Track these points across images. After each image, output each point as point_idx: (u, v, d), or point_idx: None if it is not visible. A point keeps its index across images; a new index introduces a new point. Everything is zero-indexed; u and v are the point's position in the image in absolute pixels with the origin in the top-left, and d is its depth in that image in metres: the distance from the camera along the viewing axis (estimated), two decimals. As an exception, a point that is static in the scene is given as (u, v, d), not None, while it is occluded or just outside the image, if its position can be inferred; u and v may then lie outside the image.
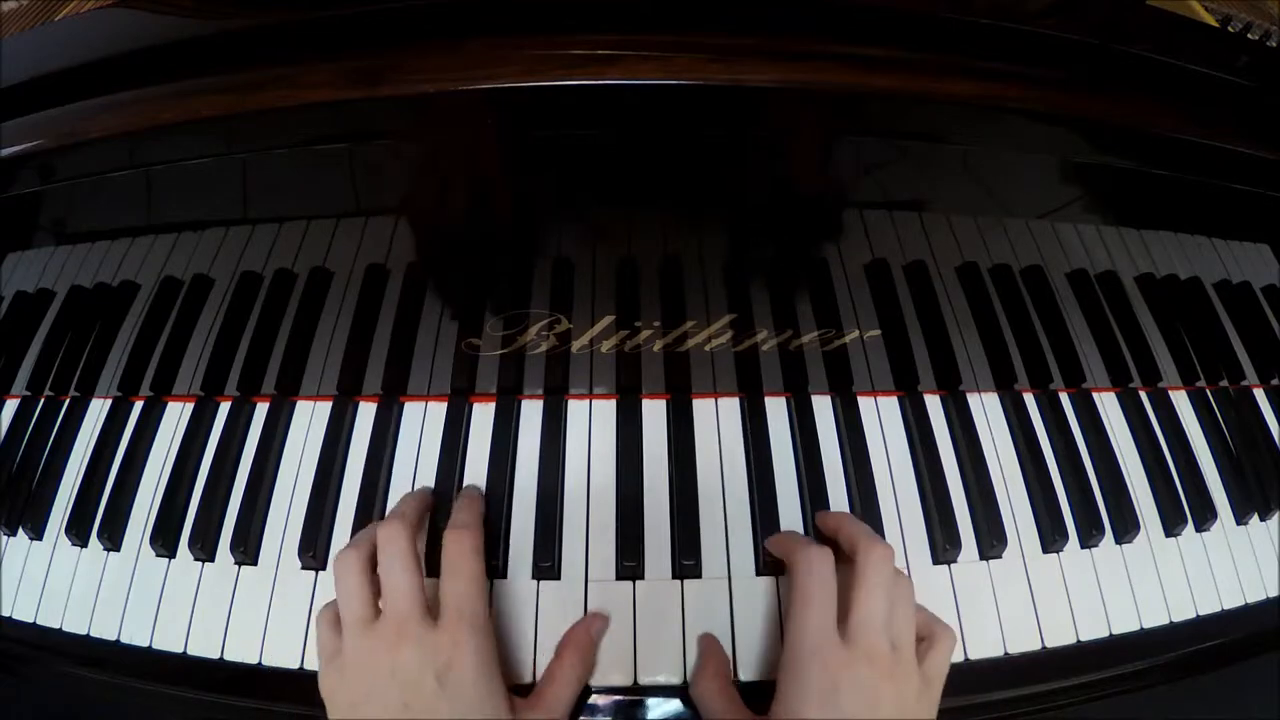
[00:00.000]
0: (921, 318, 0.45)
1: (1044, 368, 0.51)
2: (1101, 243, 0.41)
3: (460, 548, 0.40)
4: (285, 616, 0.45)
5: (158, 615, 0.46)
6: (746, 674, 0.42)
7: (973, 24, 0.34)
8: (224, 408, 0.53)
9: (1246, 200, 0.38)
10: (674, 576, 0.45)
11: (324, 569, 0.46)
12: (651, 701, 0.42)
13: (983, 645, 0.44)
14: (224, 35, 0.35)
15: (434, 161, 0.36)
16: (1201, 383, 0.55)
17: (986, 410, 0.52)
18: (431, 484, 0.48)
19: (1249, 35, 0.40)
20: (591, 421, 0.50)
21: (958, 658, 0.43)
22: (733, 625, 0.43)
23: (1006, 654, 0.44)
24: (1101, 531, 0.48)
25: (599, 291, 0.42)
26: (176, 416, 0.53)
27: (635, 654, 0.42)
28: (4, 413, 0.55)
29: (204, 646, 0.44)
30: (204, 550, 0.47)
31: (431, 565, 0.43)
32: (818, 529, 0.45)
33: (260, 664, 0.44)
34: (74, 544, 0.49)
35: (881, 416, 0.51)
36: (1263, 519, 0.51)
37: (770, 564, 0.45)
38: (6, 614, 0.48)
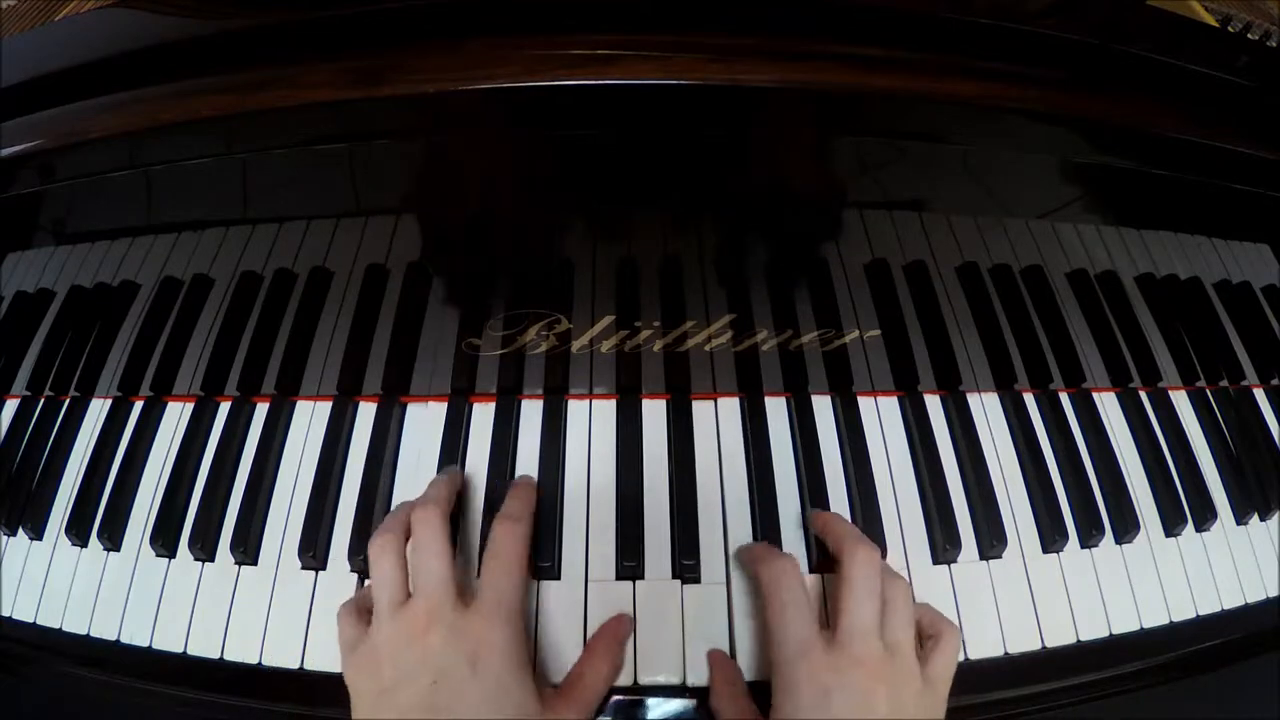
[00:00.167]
0: (921, 318, 0.45)
1: (1044, 368, 0.51)
2: (1101, 243, 0.41)
3: (510, 538, 0.40)
4: (285, 616, 0.45)
5: (158, 615, 0.46)
6: (747, 674, 0.42)
7: (973, 24, 0.34)
8: (224, 408, 0.53)
9: (1246, 200, 0.38)
10: (674, 576, 0.45)
11: (324, 569, 0.46)
12: (651, 701, 0.42)
13: (983, 645, 0.44)
14: (224, 35, 0.35)
15: (434, 162, 0.36)
16: (1201, 383, 0.55)
17: (986, 410, 0.52)
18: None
19: (1249, 35, 0.40)
20: (591, 421, 0.50)
21: (958, 658, 0.43)
22: (731, 625, 0.43)
23: (1006, 654, 0.44)
24: (1101, 531, 0.48)
25: (599, 291, 0.42)
26: (176, 416, 0.53)
27: (635, 654, 0.42)
28: (4, 413, 0.55)
29: (204, 646, 0.44)
30: (204, 550, 0.47)
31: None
32: (810, 529, 0.45)
33: (260, 664, 0.44)
34: (74, 544, 0.49)
35: (881, 416, 0.51)
36: (1263, 519, 0.51)
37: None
38: (6, 614, 0.48)
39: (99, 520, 0.49)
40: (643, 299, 0.43)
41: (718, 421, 0.50)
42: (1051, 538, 0.47)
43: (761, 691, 0.40)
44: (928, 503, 0.48)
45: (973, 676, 0.43)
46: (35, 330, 0.48)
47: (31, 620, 0.47)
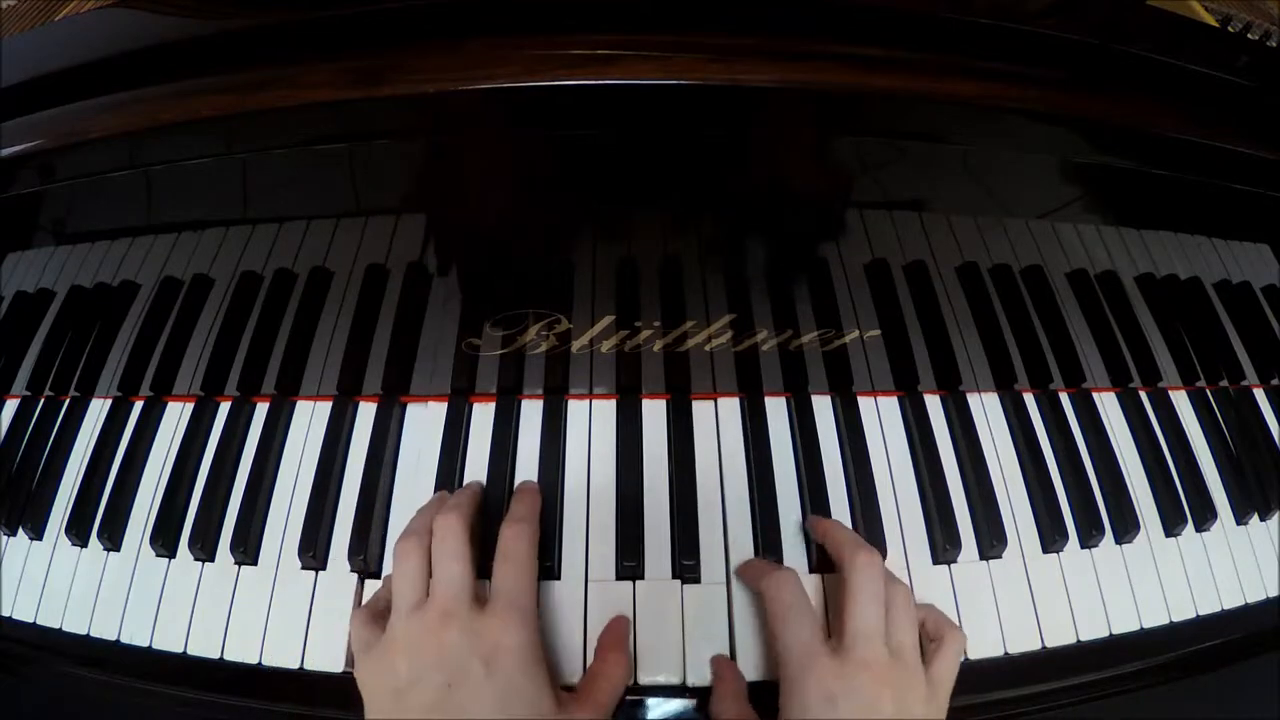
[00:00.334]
0: (921, 318, 0.45)
1: (1044, 368, 0.51)
2: (1101, 243, 0.41)
3: (517, 541, 0.40)
4: (285, 616, 0.45)
5: (158, 615, 0.46)
6: (747, 674, 0.42)
7: (973, 24, 0.34)
8: (224, 408, 0.53)
9: (1246, 200, 0.38)
10: (674, 576, 0.45)
11: (324, 569, 0.46)
12: (651, 701, 0.42)
13: (983, 645, 0.44)
14: (224, 35, 0.35)
15: (434, 162, 0.36)
16: (1201, 383, 0.55)
17: (986, 410, 0.52)
18: (432, 483, 0.48)
19: (1249, 35, 0.40)
20: (591, 421, 0.50)
21: (958, 658, 0.43)
22: (732, 626, 0.43)
23: (1006, 654, 0.44)
24: (1101, 531, 0.48)
25: (599, 291, 0.42)
26: (176, 416, 0.53)
27: (635, 654, 0.42)
28: (4, 413, 0.55)
29: (204, 646, 0.44)
30: (204, 550, 0.47)
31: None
32: (811, 535, 0.45)
33: (260, 664, 0.44)
34: (74, 544, 0.49)
35: (881, 416, 0.51)
36: (1263, 519, 0.51)
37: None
38: (6, 614, 0.48)
39: (99, 520, 0.49)
40: (643, 299, 0.43)
41: (718, 421, 0.50)
42: (1051, 538, 0.47)
43: (759, 693, 0.40)
44: (928, 503, 0.48)
45: (973, 676, 0.43)
46: (35, 330, 0.48)
47: (31, 620, 0.47)
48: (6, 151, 0.35)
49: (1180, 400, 0.55)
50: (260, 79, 0.33)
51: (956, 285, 0.43)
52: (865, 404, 0.52)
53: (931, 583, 0.46)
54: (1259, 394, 0.56)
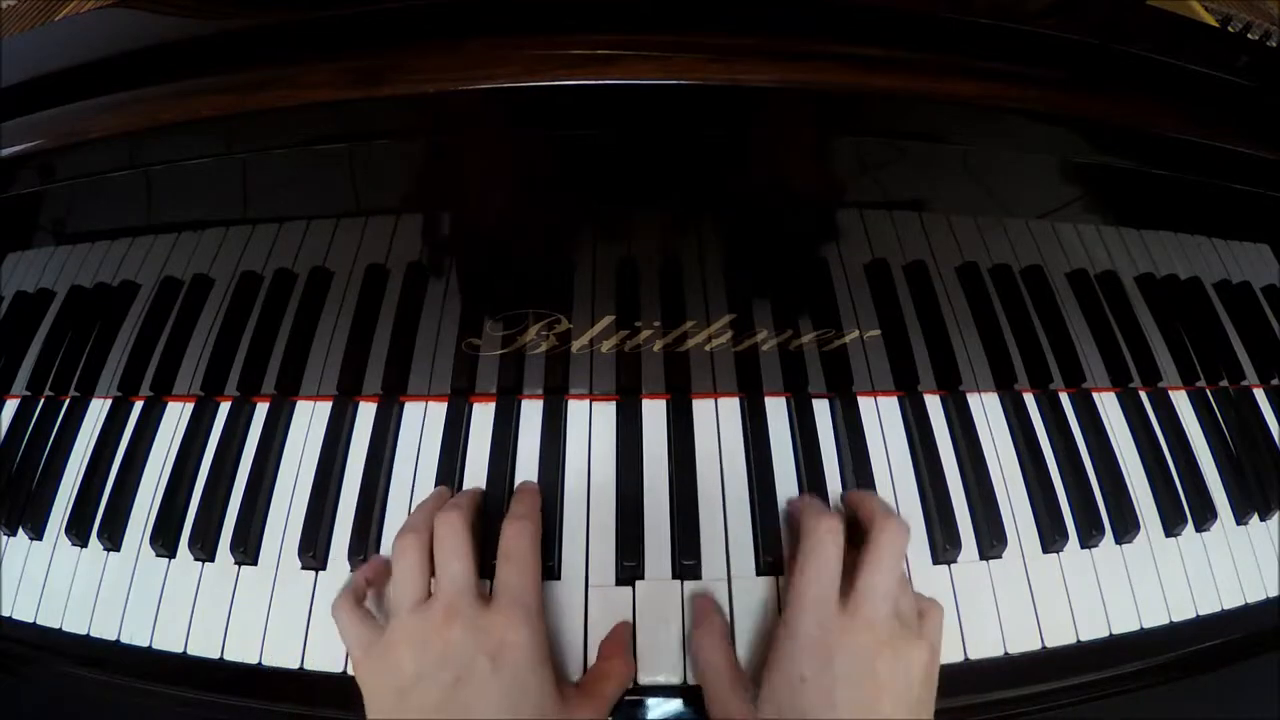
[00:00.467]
0: (921, 318, 0.45)
1: (1044, 368, 0.51)
2: (1101, 243, 0.41)
3: (519, 538, 0.40)
4: (285, 616, 0.45)
5: (158, 615, 0.46)
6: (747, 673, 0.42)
7: (973, 24, 0.34)
8: (224, 408, 0.53)
9: (1246, 200, 0.38)
10: (674, 577, 0.45)
11: (324, 569, 0.46)
12: (651, 701, 0.42)
13: (983, 645, 0.44)
14: (224, 35, 0.35)
15: (434, 162, 0.36)
16: (1201, 383, 0.55)
17: (986, 410, 0.52)
18: (432, 484, 0.48)
19: (1249, 35, 0.40)
20: (591, 421, 0.50)
21: (958, 658, 0.43)
22: (732, 626, 0.43)
23: (1006, 654, 0.44)
24: (1101, 531, 0.48)
25: (599, 291, 0.42)
26: (176, 416, 0.53)
27: (635, 654, 0.42)
28: (4, 413, 0.55)
29: (204, 646, 0.44)
30: (204, 550, 0.47)
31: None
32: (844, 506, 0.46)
33: (260, 664, 0.44)
34: (74, 544, 0.49)
35: (881, 416, 0.51)
36: (1263, 519, 0.51)
37: (770, 564, 0.45)
38: (6, 614, 0.48)
39: (99, 520, 0.49)
40: (643, 299, 0.43)
41: (718, 421, 0.50)
42: (1051, 538, 0.47)
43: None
44: (928, 503, 0.48)
45: (973, 676, 0.43)
46: (35, 330, 0.48)
47: (31, 620, 0.47)
48: (6, 151, 0.35)
49: (1180, 400, 0.55)
50: (260, 79, 0.33)
51: (956, 285, 0.43)
52: (865, 404, 0.52)
53: (931, 583, 0.45)
54: (1259, 394, 0.56)
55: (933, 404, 0.52)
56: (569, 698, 0.38)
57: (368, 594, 0.42)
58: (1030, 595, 0.46)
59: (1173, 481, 0.51)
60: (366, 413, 0.51)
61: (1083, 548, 0.48)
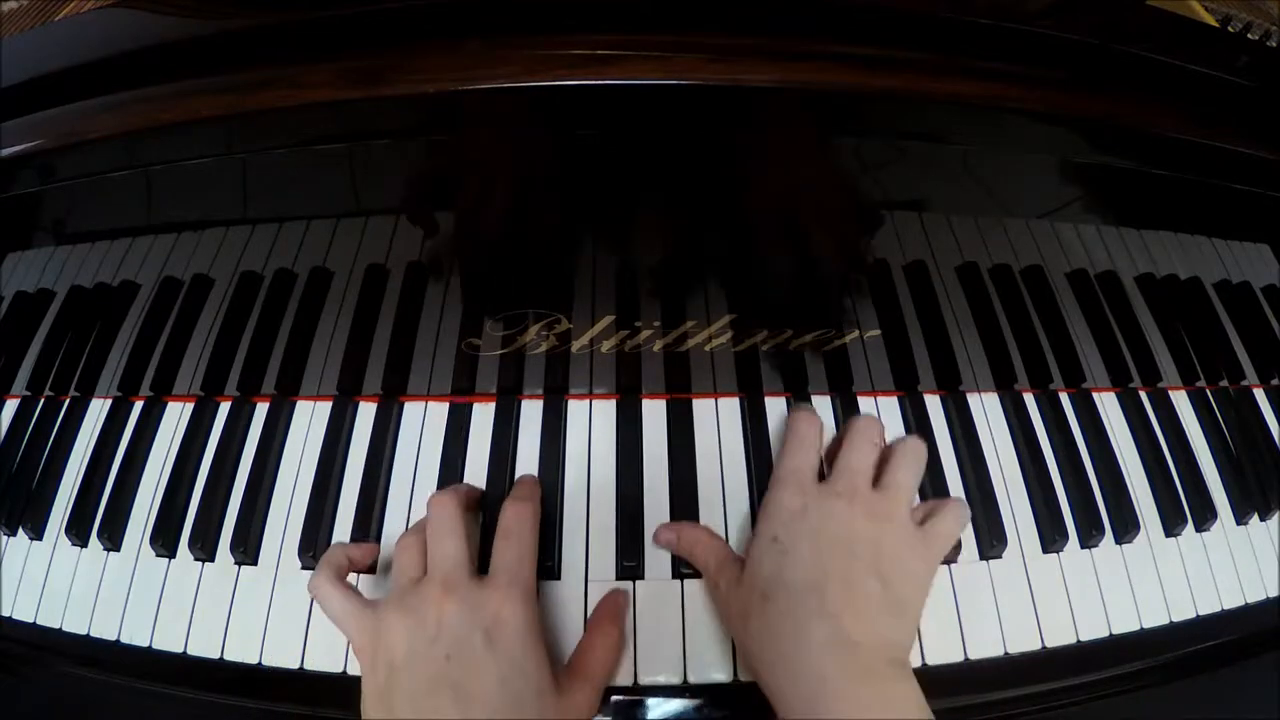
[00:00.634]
0: (921, 318, 0.45)
1: (1044, 368, 0.51)
2: (1101, 243, 0.41)
3: (519, 519, 0.40)
4: (285, 616, 0.45)
5: (158, 615, 0.46)
6: (747, 675, 0.42)
7: (973, 24, 0.34)
8: (224, 408, 0.53)
9: (1246, 200, 0.38)
10: (674, 577, 0.45)
11: (324, 569, 0.46)
12: (651, 701, 0.42)
13: (983, 645, 0.44)
14: (224, 35, 0.35)
15: (434, 162, 0.36)
16: (1201, 383, 0.55)
17: (986, 410, 0.52)
18: (432, 484, 0.48)
19: (1249, 35, 0.40)
20: (591, 421, 0.50)
21: (958, 658, 0.43)
22: (733, 625, 0.43)
23: (1006, 654, 0.44)
24: (1101, 531, 0.48)
25: (599, 291, 0.42)
26: (176, 416, 0.53)
27: (635, 654, 0.42)
28: (4, 413, 0.55)
29: (204, 646, 0.44)
30: (204, 550, 0.47)
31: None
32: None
33: (260, 664, 0.44)
34: (74, 544, 0.49)
35: (881, 416, 0.51)
36: (1263, 519, 0.51)
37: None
38: (6, 614, 0.48)
39: (99, 520, 0.49)
40: (643, 299, 0.43)
41: (718, 421, 0.50)
42: (1051, 538, 0.47)
43: (759, 694, 0.40)
44: (925, 496, 0.48)
45: (973, 676, 0.43)
46: (35, 330, 0.48)
47: (31, 620, 0.47)
48: (6, 151, 0.35)
49: (1180, 400, 0.55)
50: (260, 79, 0.33)
51: (956, 285, 0.43)
52: (865, 404, 0.51)
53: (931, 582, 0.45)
54: (1259, 394, 0.56)
55: (933, 404, 0.52)
56: (561, 679, 0.38)
57: (349, 572, 0.42)
58: (1030, 595, 0.46)
59: (1173, 481, 0.51)
60: (366, 413, 0.51)
61: (1083, 548, 0.48)
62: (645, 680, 0.42)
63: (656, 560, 0.45)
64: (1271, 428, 0.55)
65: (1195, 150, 0.36)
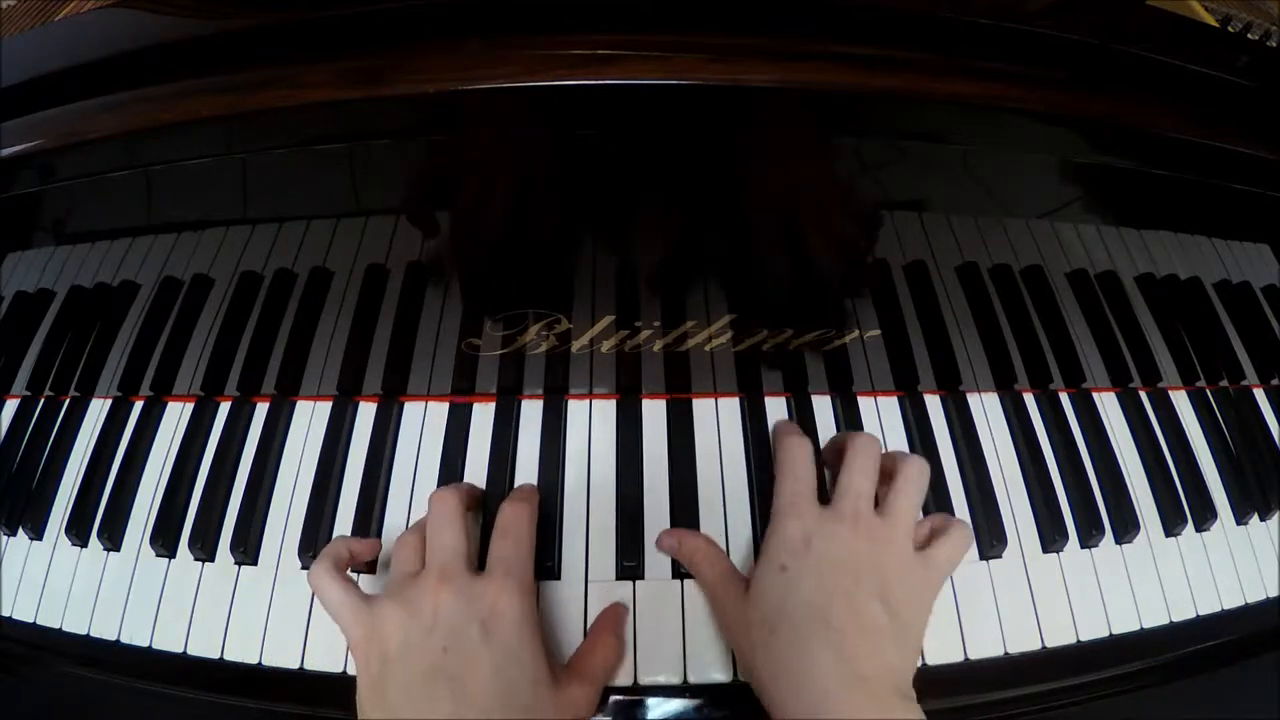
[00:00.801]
0: (921, 318, 0.45)
1: (1044, 368, 0.51)
2: (1101, 243, 0.41)
3: (517, 517, 0.40)
4: (285, 616, 0.45)
5: (158, 615, 0.46)
6: (746, 675, 0.42)
7: (973, 24, 0.34)
8: (224, 408, 0.53)
9: (1246, 200, 0.38)
10: (674, 577, 0.45)
11: (324, 569, 0.46)
12: (651, 701, 0.42)
13: (983, 645, 0.44)
14: (224, 35, 0.35)
15: (434, 162, 0.36)
16: (1201, 383, 0.55)
17: (986, 410, 0.52)
18: (432, 484, 0.48)
19: (1249, 35, 0.40)
20: (591, 421, 0.50)
21: (958, 658, 0.43)
22: (733, 625, 0.43)
23: (1006, 654, 0.44)
24: (1101, 531, 0.48)
25: (599, 291, 0.42)
26: (176, 416, 0.53)
27: (635, 654, 0.42)
28: (4, 413, 0.55)
29: (204, 646, 0.44)
30: (204, 550, 0.47)
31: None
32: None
33: (260, 664, 0.44)
34: (74, 544, 0.49)
35: (881, 416, 0.51)
36: (1263, 519, 0.51)
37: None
38: (6, 614, 0.48)
39: (99, 520, 0.49)
40: (643, 299, 0.43)
41: (718, 421, 0.50)
42: (1051, 538, 0.47)
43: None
44: (927, 502, 0.48)
45: (973, 676, 0.43)
46: (35, 330, 0.48)
47: (31, 620, 0.47)
48: (6, 151, 0.35)
49: (1180, 400, 0.55)
50: (260, 79, 0.33)
51: (956, 285, 0.43)
52: (865, 404, 0.52)
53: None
54: (1259, 394, 0.56)
55: (933, 404, 0.52)
56: (559, 675, 0.38)
57: (349, 565, 0.42)
58: (1030, 595, 0.46)
59: (1173, 481, 0.51)
60: (366, 413, 0.51)
61: (1083, 548, 0.48)
62: (645, 680, 0.42)
63: (656, 560, 0.45)
64: (1271, 428, 0.55)
65: (1195, 150, 0.36)
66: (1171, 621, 0.46)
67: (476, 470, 0.48)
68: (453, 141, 0.35)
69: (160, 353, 0.49)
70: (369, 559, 0.44)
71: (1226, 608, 0.47)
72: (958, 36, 0.34)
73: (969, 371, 0.51)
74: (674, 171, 0.36)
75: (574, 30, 0.32)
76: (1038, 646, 0.44)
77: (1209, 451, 0.53)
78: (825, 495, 0.43)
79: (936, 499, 0.48)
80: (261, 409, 0.52)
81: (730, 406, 0.51)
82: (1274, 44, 0.40)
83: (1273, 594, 0.48)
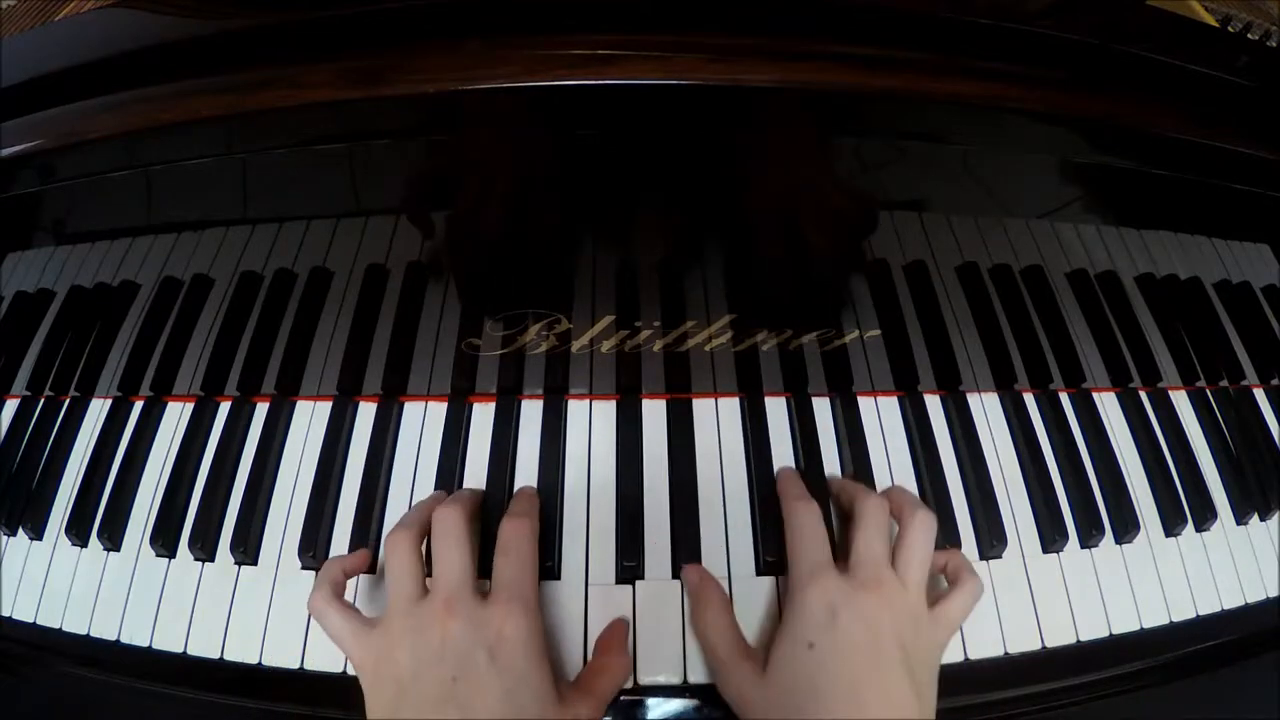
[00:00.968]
0: (921, 318, 0.45)
1: (1044, 368, 0.51)
2: (1101, 243, 0.41)
3: (518, 534, 0.40)
4: (285, 616, 0.45)
5: (158, 615, 0.46)
6: (746, 674, 0.42)
7: (973, 24, 0.34)
8: (224, 408, 0.53)
9: (1246, 200, 0.38)
10: (674, 577, 0.45)
11: (324, 569, 0.46)
12: (651, 701, 0.42)
13: (983, 645, 0.44)
14: (224, 35, 0.35)
15: (434, 162, 0.36)
16: (1201, 383, 0.55)
17: (986, 410, 0.52)
18: (432, 483, 0.48)
19: (1249, 35, 0.40)
20: (591, 421, 0.50)
21: (958, 658, 0.43)
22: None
23: (1006, 654, 0.44)
24: (1101, 531, 0.48)
25: (599, 291, 0.42)
26: (176, 416, 0.53)
27: (635, 654, 0.42)
28: (4, 413, 0.55)
29: (204, 646, 0.44)
30: (204, 550, 0.47)
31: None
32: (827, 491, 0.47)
33: (260, 664, 0.44)
34: (74, 544, 0.49)
35: (881, 416, 0.51)
36: (1263, 519, 0.51)
37: (770, 564, 0.45)
38: (6, 614, 0.48)
39: (99, 520, 0.49)
40: (643, 299, 0.43)
41: (718, 421, 0.50)
42: (1051, 538, 0.47)
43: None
44: (927, 503, 0.48)
45: (973, 676, 0.43)
46: (35, 330, 0.48)
47: (31, 620, 0.47)
48: (6, 151, 0.35)
49: (1180, 400, 0.55)
50: (260, 79, 0.33)
51: (956, 285, 0.43)
52: (865, 404, 0.52)
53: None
54: (1259, 394, 0.56)
55: (933, 404, 0.52)
56: (565, 694, 0.38)
57: (345, 586, 0.42)
58: (1030, 595, 0.46)
59: (1173, 481, 0.51)
60: (366, 413, 0.51)
61: (1083, 548, 0.48)
62: (645, 680, 0.42)
63: (656, 560, 0.45)
64: (1271, 428, 0.55)
65: (1195, 150, 0.36)
66: (1171, 621, 0.46)
67: (477, 470, 0.48)
68: (453, 141, 0.35)
69: (160, 353, 0.49)
70: (364, 569, 0.44)
71: (1226, 608, 0.47)
72: (958, 36, 0.34)
73: (969, 371, 0.51)
74: (674, 171, 0.36)
75: (574, 30, 0.32)
76: (1038, 646, 0.44)
77: (1209, 451, 0.53)
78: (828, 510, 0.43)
79: (937, 499, 0.48)
80: (261, 409, 0.52)
81: (730, 406, 0.51)
82: (1274, 44, 0.40)
83: (1273, 594, 0.48)
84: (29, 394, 0.55)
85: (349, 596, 0.43)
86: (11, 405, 0.56)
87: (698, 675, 0.42)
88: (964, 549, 0.46)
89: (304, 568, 0.46)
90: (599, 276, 0.41)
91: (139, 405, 0.54)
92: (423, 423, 0.51)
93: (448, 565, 0.38)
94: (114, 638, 0.46)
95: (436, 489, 0.48)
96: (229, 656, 0.44)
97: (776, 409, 0.51)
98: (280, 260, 0.41)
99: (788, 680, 0.37)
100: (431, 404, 0.51)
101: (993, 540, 0.47)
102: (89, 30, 0.38)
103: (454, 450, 0.49)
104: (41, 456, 0.53)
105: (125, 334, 0.47)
